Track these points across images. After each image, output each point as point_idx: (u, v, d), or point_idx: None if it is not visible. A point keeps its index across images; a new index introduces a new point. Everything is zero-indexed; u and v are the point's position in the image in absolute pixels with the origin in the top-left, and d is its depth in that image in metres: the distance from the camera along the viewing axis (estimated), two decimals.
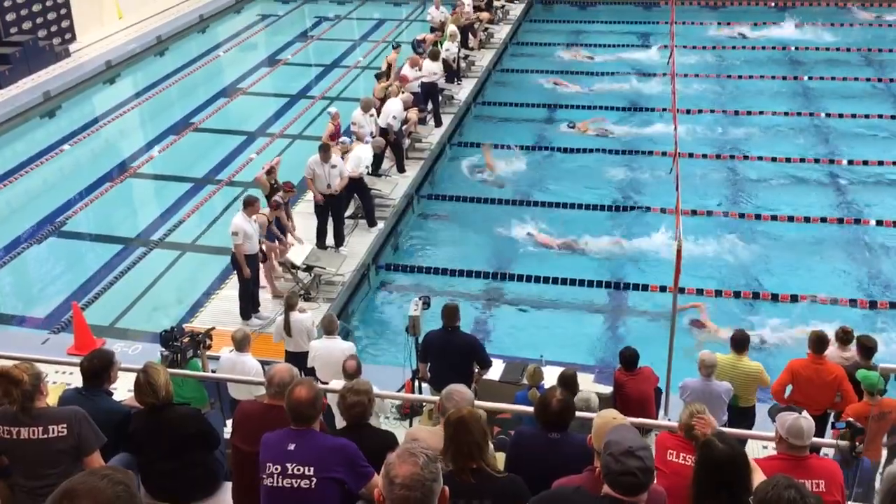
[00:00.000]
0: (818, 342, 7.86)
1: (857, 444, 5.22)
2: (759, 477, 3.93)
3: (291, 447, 4.18)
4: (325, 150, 12.21)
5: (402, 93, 15.43)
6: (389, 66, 17.00)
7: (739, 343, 8.23)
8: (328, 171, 12.23)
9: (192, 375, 8.00)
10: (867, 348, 7.97)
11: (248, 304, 11.32)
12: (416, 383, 9.15)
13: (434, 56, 16.86)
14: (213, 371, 8.48)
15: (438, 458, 2.90)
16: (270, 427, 4.50)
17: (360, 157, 13.18)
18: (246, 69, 21.88)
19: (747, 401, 8.22)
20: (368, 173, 13.74)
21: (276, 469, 4.16)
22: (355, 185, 13.13)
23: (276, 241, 11.80)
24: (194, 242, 14.11)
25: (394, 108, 14.50)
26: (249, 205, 10.98)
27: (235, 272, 11.31)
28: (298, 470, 4.12)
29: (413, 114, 15.72)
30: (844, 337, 8.37)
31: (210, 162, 16.81)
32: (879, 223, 13.98)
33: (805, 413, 4.46)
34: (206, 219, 14.82)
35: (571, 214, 14.73)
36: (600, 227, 14.20)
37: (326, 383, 7.96)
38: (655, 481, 4.61)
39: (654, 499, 3.44)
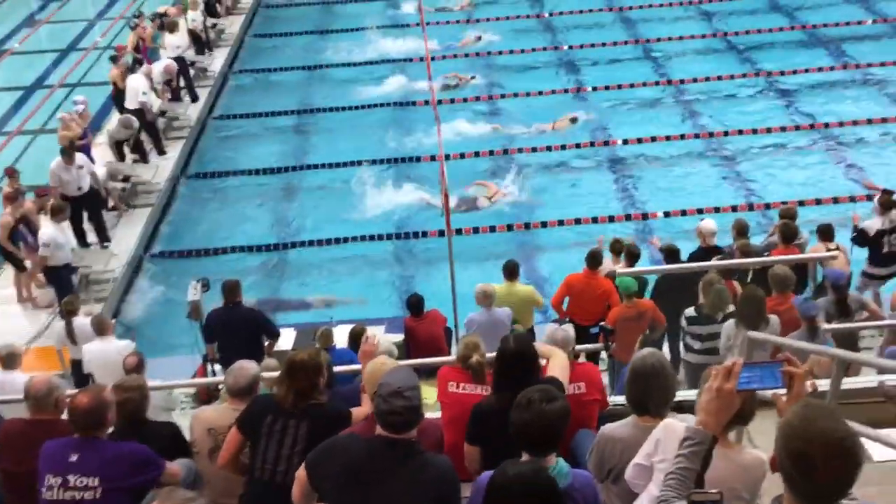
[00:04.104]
0: (591, 258, 8.56)
1: (610, 343, 5.72)
2: (557, 369, 4.45)
3: (74, 458, 4.02)
4: (67, 154, 11.29)
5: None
6: (139, 43, 16.01)
7: (510, 271, 8.73)
8: (76, 173, 11.32)
9: None
10: (632, 255, 8.78)
11: None
12: (210, 367, 8.91)
13: (172, 28, 16.00)
14: None
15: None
16: (38, 443, 4.26)
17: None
18: None
19: (526, 322, 8.77)
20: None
21: (57, 481, 3.99)
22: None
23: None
24: None
25: (140, 85, 13.72)
26: (59, 211, 10.12)
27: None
28: (81, 482, 3.98)
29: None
30: (616, 247, 9.18)
31: None
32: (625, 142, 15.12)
33: (565, 326, 4.84)
34: None
35: (348, 172, 14.76)
36: (379, 181, 14.39)
37: None
38: (441, 414, 4.88)
39: (428, 432, 3.62)
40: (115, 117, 14.13)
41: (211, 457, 4.67)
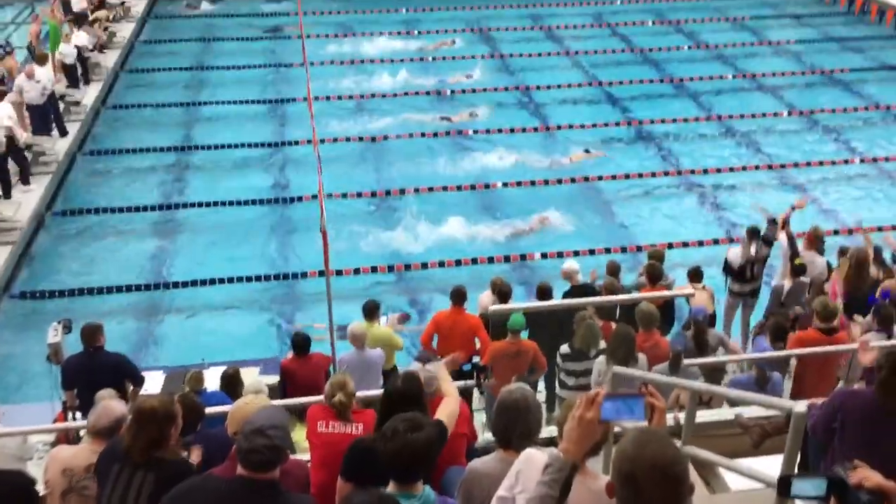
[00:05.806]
0: (456, 295, 8.63)
1: (482, 379, 5.76)
2: (445, 412, 4.35)
3: None
4: None
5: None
6: (4, 75, 15.32)
7: (370, 311, 8.71)
8: None
9: None
10: (502, 293, 8.91)
11: None
12: (70, 415, 8.42)
13: (41, 60, 15.38)
14: None
15: None
16: None
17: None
18: None
19: (389, 363, 8.75)
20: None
21: None
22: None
23: None
24: None
25: (5, 111, 13.18)
26: None
27: None
28: None
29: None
30: (494, 282, 9.24)
31: None
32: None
33: (428, 366, 4.86)
34: None
35: (224, 212, 14.45)
36: (258, 220, 14.13)
37: None
38: (311, 455, 4.76)
39: (292, 473, 3.52)
40: None
41: (64, 499, 4.39)
